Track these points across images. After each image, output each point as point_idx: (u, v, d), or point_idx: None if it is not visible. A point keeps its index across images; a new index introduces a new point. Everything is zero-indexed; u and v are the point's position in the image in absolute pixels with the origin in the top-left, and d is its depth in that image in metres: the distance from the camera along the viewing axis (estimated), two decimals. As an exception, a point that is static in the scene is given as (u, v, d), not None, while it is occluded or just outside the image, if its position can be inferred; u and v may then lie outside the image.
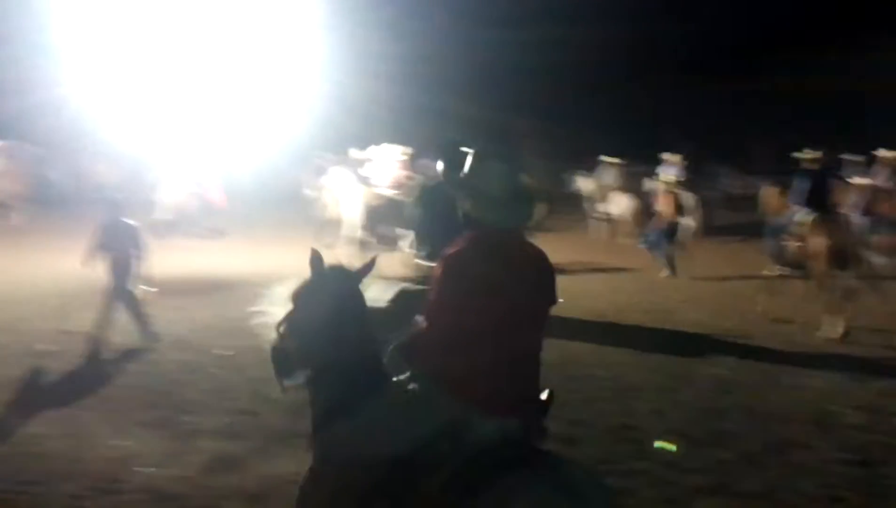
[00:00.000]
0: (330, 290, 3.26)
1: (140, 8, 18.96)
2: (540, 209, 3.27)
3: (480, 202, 3.07)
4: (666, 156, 17.79)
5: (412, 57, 24.07)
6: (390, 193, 13.59)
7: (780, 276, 9.84)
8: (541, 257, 3.21)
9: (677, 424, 6.23)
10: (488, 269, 2.99)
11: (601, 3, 24.12)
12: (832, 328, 8.93)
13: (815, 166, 9.69)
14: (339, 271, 3.33)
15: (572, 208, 19.59)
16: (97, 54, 19.00)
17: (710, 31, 25.56)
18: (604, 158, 18.65)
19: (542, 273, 3.16)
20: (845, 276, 9.10)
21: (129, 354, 8.06)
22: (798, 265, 9.40)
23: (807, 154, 9.80)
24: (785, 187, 10.18)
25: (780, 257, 9.64)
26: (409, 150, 14.56)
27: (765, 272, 10.21)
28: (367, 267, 3.34)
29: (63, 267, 12.91)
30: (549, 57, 24.10)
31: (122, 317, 8.39)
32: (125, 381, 7.21)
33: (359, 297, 3.30)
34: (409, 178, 13.72)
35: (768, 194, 10.53)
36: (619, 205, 17.59)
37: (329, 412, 3.11)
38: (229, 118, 19.66)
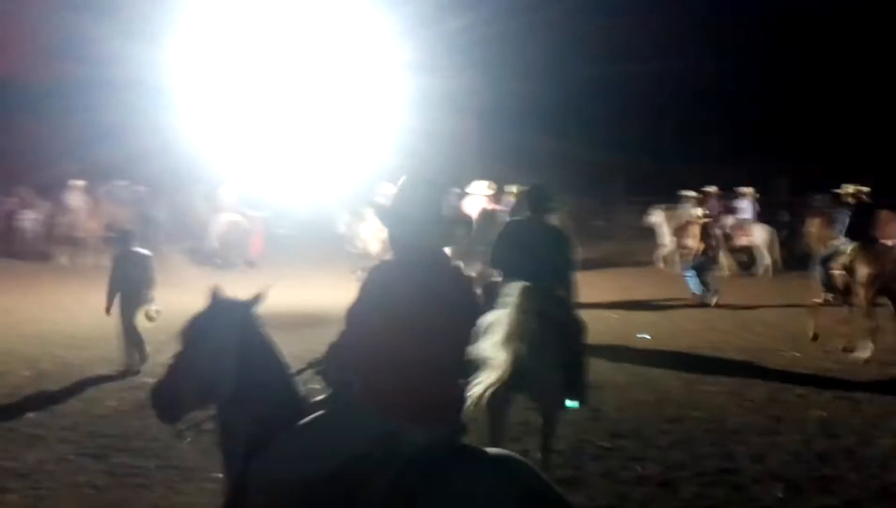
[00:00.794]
0: (221, 323, 3.31)
1: (242, 53, 19.67)
2: (461, 234, 3.47)
3: (402, 222, 3.27)
4: (742, 190, 17.63)
5: (502, 94, 24.27)
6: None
7: (825, 302, 10.19)
8: (458, 275, 3.37)
9: (778, 468, 6.05)
10: (401, 284, 3.17)
11: (695, 40, 23.85)
12: (864, 350, 9.39)
13: (857, 200, 10.23)
14: (230, 303, 3.40)
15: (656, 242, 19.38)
16: (202, 99, 19.78)
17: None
18: (684, 191, 18.34)
19: (458, 291, 3.30)
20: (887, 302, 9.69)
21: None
22: (843, 293, 9.88)
23: (847, 189, 10.36)
24: (830, 219, 10.88)
25: (828, 286, 10.03)
26: (494, 185, 14.72)
27: (814, 300, 10.32)
28: (258, 297, 3.42)
29: (165, 302, 13.40)
30: (644, 94, 24.01)
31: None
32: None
33: (253, 325, 3.37)
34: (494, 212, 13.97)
35: (813, 225, 11.27)
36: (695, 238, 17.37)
37: (251, 441, 3.17)
38: (320, 152, 20.13)
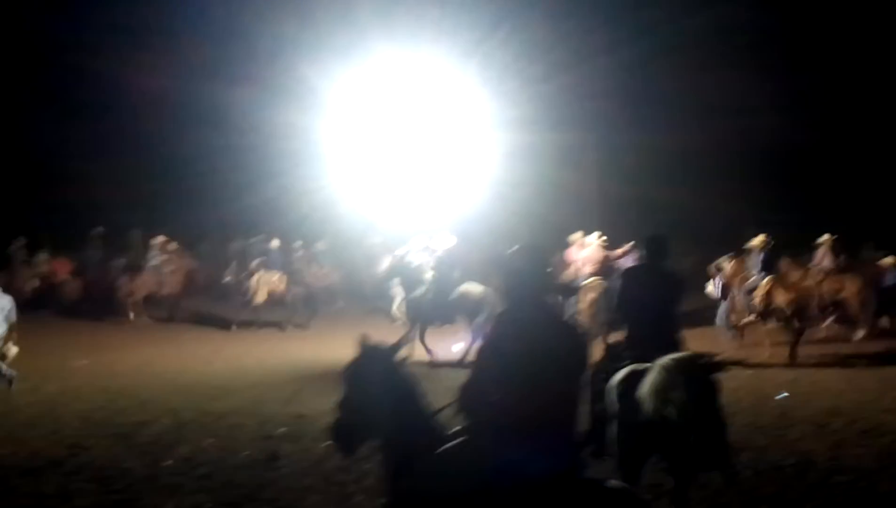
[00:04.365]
0: (373, 367, 3.90)
1: (375, 121, 20.54)
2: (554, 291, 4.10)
3: (517, 281, 3.80)
4: (821, 239, 16.74)
5: (616, 146, 24.14)
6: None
7: None
8: (568, 328, 3.99)
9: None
10: (513, 334, 3.68)
11: (817, 93, 23.04)
12: None
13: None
14: (377, 349, 3.99)
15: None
16: (343, 160, 20.71)
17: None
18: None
19: (568, 342, 3.74)
20: None
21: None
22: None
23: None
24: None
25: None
26: (604, 236, 14.60)
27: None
28: (400, 343, 4.13)
29: (301, 354, 13.83)
30: (761, 144, 23.36)
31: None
32: (348, 465, 7.43)
33: (398, 368, 3.97)
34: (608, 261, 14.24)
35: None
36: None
37: (399, 467, 3.76)
38: (441, 205, 20.58)
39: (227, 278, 18.66)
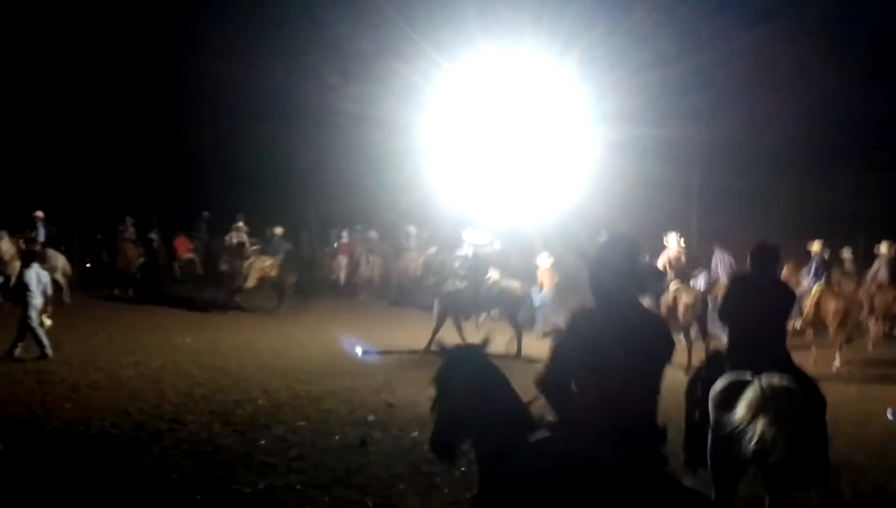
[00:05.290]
0: (462, 371, 3.94)
1: (478, 117, 20.69)
2: (652, 284, 3.94)
3: (606, 273, 3.74)
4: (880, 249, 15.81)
5: (719, 141, 23.55)
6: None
7: None
8: (654, 321, 3.98)
9: None
10: (604, 329, 3.65)
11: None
12: None
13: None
14: (463, 351, 4.08)
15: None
16: (448, 157, 20.96)
17: None
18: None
19: (655, 335, 3.77)
20: None
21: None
22: None
23: None
24: None
25: None
26: (682, 238, 14.21)
27: None
28: (485, 342, 4.13)
29: (392, 342, 13.98)
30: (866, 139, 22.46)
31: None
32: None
33: (488, 364, 3.99)
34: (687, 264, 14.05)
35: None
36: None
37: (493, 458, 3.80)
38: (541, 197, 20.59)
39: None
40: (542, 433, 3.76)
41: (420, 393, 9.95)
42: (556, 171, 20.42)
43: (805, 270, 14.60)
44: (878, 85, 22.41)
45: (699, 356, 12.06)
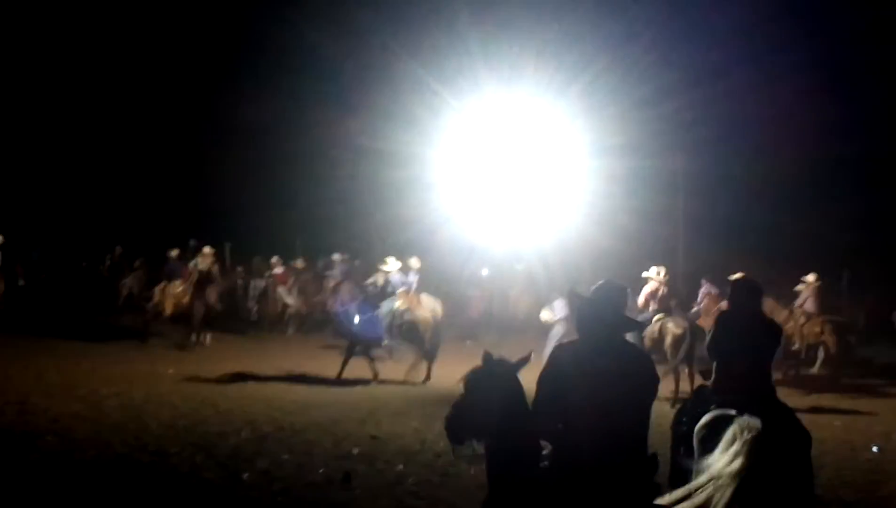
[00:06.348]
0: (491, 378, 4.20)
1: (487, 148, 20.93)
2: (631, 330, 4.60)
3: (597, 315, 4.06)
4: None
5: (717, 173, 23.79)
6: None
7: None
8: (641, 356, 4.25)
9: None
10: (584, 358, 3.94)
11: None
12: None
13: None
14: (501, 362, 4.26)
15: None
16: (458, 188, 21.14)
17: None
18: None
19: (642, 370, 4.02)
20: None
21: (425, 464, 8.38)
22: None
23: None
24: None
25: None
26: (663, 271, 14.31)
27: None
28: (524, 360, 4.29)
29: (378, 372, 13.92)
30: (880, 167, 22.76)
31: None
32: (421, 490, 7.45)
33: (515, 381, 4.19)
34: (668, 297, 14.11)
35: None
36: None
37: (502, 471, 4.07)
38: (541, 229, 20.84)
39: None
40: (543, 465, 3.99)
41: (405, 425, 9.97)
42: (556, 201, 20.66)
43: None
44: (884, 122, 22.75)
45: (685, 387, 12.14)
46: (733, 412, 5.20)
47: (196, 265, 17.38)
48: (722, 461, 4.24)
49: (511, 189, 20.95)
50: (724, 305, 12.86)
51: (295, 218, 24.95)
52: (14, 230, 18.70)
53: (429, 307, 14.47)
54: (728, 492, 4.42)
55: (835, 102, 22.60)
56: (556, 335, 15.58)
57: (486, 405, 4.15)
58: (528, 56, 21.12)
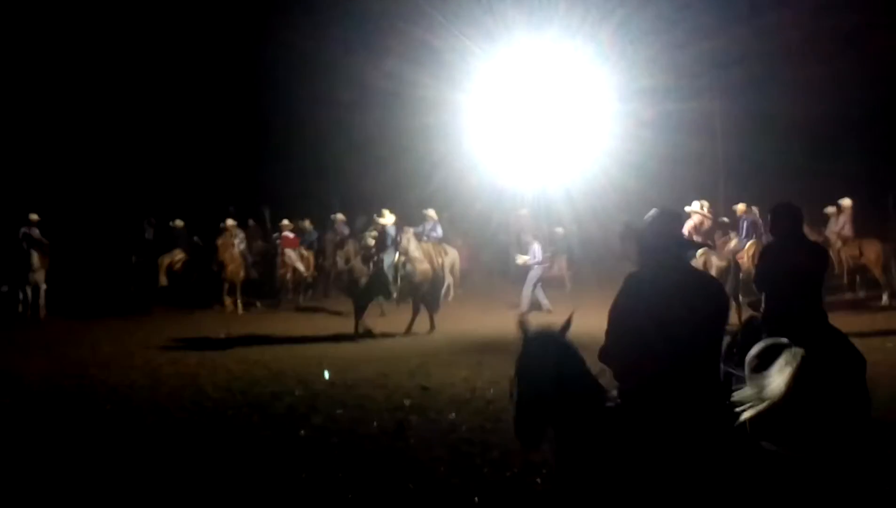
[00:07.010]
0: (540, 355, 3.99)
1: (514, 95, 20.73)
2: (692, 254, 4.75)
3: (655, 243, 4.01)
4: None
5: (752, 115, 23.25)
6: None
7: None
8: (709, 280, 4.24)
9: None
10: (653, 287, 3.87)
11: None
12: None
13: None
14: (543, 335, 4.07)
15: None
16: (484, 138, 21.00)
17: None
18: None
19: (709, 293, 3.95)
20: None
21: (477, 412, 8.46)
22: None
23: None
24: None
25: None
26: (707, 204, 14.14)
27: None
28: (567, 325, 4.09)
29: (422, 326, 14.03)
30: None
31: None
32: (474, 437, 7.53)
33: (564, 349, 4.02)
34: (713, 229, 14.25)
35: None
36: None
37: (568, 433, 3.91)
38: (570, 175, 20.69)
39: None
40: (611, 403, 3.88)
41: (454, 376, 10.06)
42: (586, 146, 20.45)
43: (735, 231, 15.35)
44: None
45: (733, 319, 12.05)
46: (785, 340, 5.17)
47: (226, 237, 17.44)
48: (775, 383, 4.23)
49: (539, 134, 20.79)
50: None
51: (325, 171, 24.90)
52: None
53: (438, 259, 14.55)
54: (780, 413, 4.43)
55: (877, 38, 21.83)
56: (533, 278, 16.12)
57: (545, 385, 3.93)
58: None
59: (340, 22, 24.48)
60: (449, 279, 16.00)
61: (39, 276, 16.42)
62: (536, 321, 4.29)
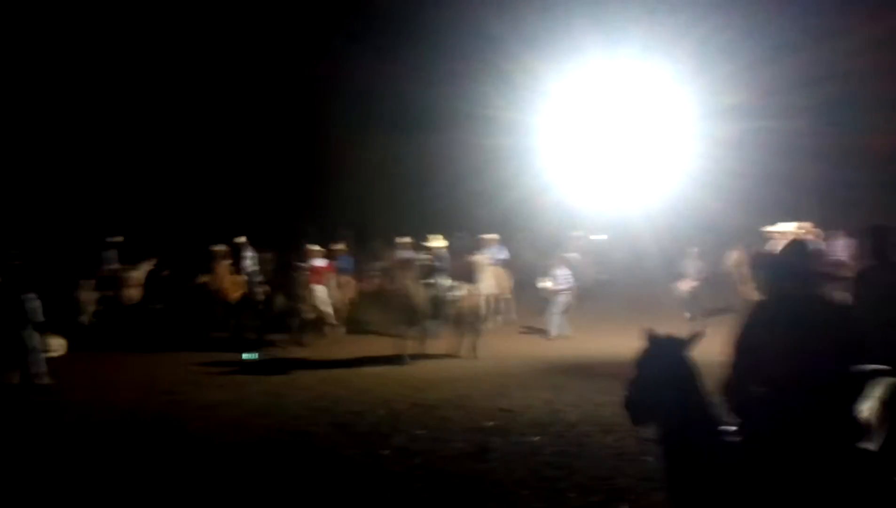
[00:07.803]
0: (660, 356, 4.25)
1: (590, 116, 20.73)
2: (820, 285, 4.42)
3: (779, 274, 4.20)
4: None
5: (843, 133, 22.58)
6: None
7: None
8: (833, 310, 4.19)
9: None
10: (776, 315, 4.04)
11: None
12: None
13: None
14: (671, 340, 4.31)
15: None
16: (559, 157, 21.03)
17: None
18: None
19: (834, 319, 4.05)
20: None
21: (559, 435, 8.39)
22: None
23: None
24: None
25: None
26: (807, 225, 13.69)
27: None
28: (696, 337, 4.28)
29: (505, 348, 13.99)
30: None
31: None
32: (558, 461, 7.48)
33: (684, 359, 4.23)
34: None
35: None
36: None
37: (678, 449, 4.15)
38: (650, 196, 20.50)
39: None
40: (728, 433, 4.08)
41: (534, 398, 10.01)
42: (663, 166, 20.22)
43: None
44: None
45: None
46: (886, 367, 5.00)
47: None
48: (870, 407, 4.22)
49: (615, 154, 20.63)
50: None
51: (398, 192, 25.03)
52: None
53: (487, 288, 14.46)
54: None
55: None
56: (560, 305, 15.63)
57: (656, 385, 4.21)
58: (636, 15, 20.61)
59: (411, 45, 24.74)
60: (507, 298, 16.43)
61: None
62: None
